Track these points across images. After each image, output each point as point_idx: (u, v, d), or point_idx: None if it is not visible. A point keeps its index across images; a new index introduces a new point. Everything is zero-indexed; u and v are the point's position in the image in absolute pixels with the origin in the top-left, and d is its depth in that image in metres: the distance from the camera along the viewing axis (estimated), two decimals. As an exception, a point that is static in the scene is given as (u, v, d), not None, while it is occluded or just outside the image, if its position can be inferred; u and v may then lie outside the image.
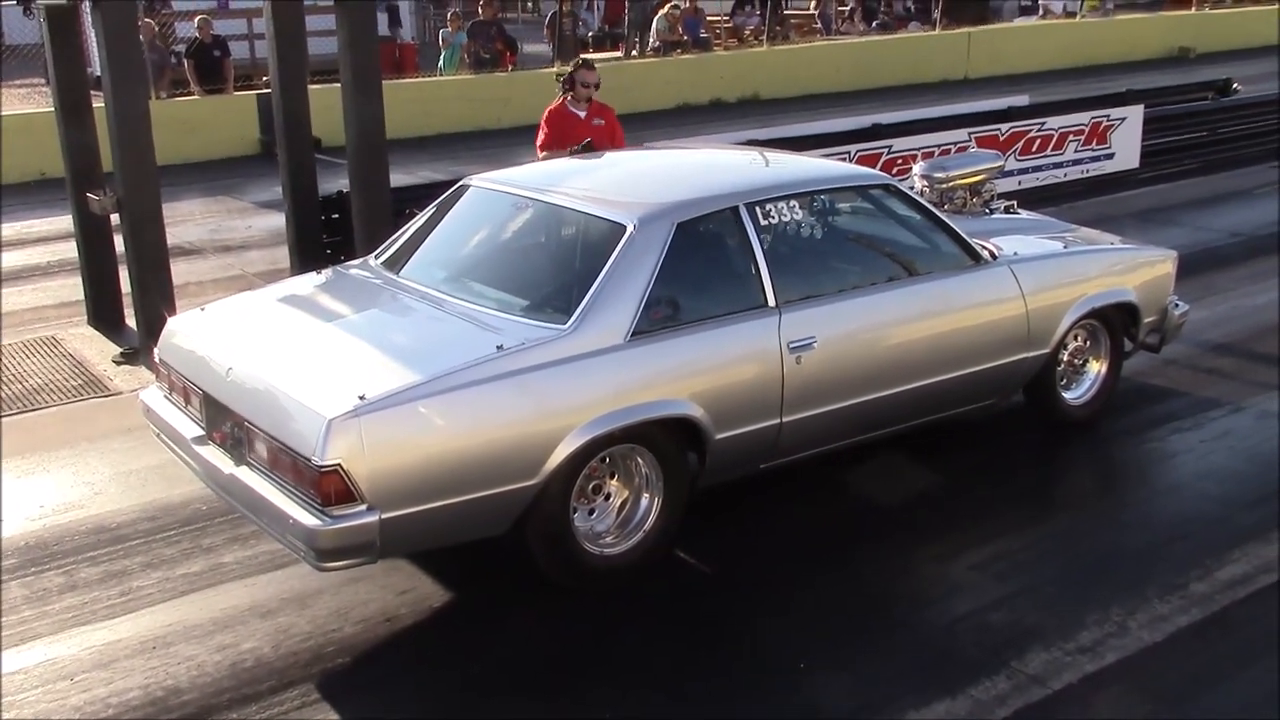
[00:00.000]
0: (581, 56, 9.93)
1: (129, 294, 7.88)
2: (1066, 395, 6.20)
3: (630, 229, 4.83)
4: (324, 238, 8.71)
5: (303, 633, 4.59)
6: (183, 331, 5.22)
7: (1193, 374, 7.00)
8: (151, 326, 7.56)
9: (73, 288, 8.96)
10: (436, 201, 5.81)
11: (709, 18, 22.84)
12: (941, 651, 4.41)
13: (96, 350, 7.96)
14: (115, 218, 7.81)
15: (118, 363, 7.69)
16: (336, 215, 8.82)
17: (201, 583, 4.99)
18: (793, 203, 5.32)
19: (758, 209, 5.14)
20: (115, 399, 7.15)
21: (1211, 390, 6.77)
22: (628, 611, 4.71)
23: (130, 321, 8.05)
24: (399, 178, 9.21)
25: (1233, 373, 7.03)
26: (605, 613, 4.70)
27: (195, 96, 15.79)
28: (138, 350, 7.67)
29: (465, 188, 5.75)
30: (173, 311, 7.58)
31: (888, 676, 4.28)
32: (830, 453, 5.47)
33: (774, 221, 5.21)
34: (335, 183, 9.35)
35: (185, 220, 11.55)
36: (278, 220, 9.25)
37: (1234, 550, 5.03)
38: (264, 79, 14.72)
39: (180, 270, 8.65)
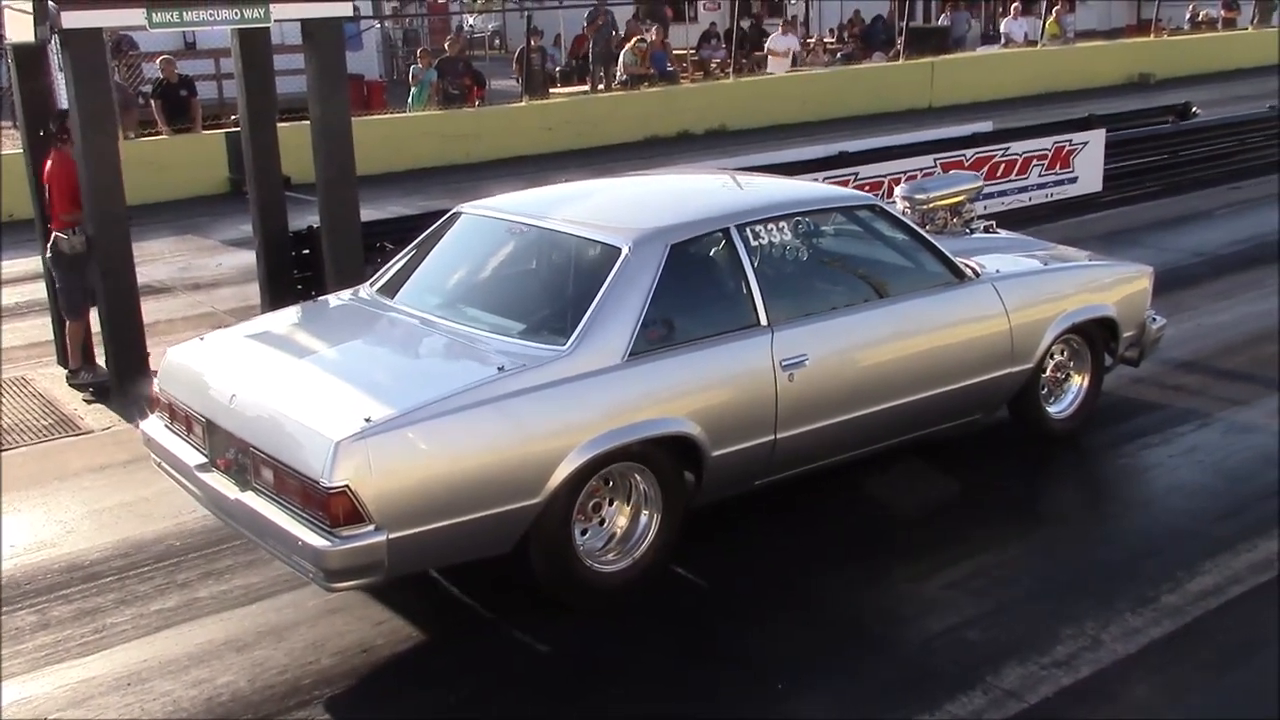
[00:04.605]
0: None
1: (98, 333, 7.85)
2: (1050, 409, 6.30)
3: (625, 251, 4.91)
4: (295, 273, 8.72)
5: (279, 665, 4.57)
6: (183, 361, 5.28)
7: (1160, 390, 7.08)
8: (121, 365, 7.55)
9: (42, 328, 8.91)
10: (430, 229, 5.88)
11: (675, 51, 23.03)
12: (919, 669, 4.44)
13: (66, 390, 7.92)
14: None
15: (88, 401, 7.65)
16: (307, 251, 8.82)
17: (176, 618, 4.96)
18: (782, 224, 5.44)
19: (749, 230, 5.25)
20: (85, 437, 7.11)
21: (1179, 406, 6.85)
22: (604, 637, 4.72)
23: (100, 360, 8.02)
24: (369, 213, 9.22)
25: (1199, 389, 7.12)
26: (582, 639, 4.71)
27: (163, 136, 15.77)
28: (108, 389, 7.63)
29: (458, 215, 5.83)
30: (144, 350, 7.60)
31: (866, 695, 4.31)
32: (820, 470, 5.53)
33: (765, 242, 5.32)
34: (305, 219, 9.36)
35: (155, 259, 11.51)
36: (248, 257, 9.25)
37: (1204, 562, 5.09)
38: (233, 118, 14.73)
39: (150, 308, 8.62)
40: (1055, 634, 4.59)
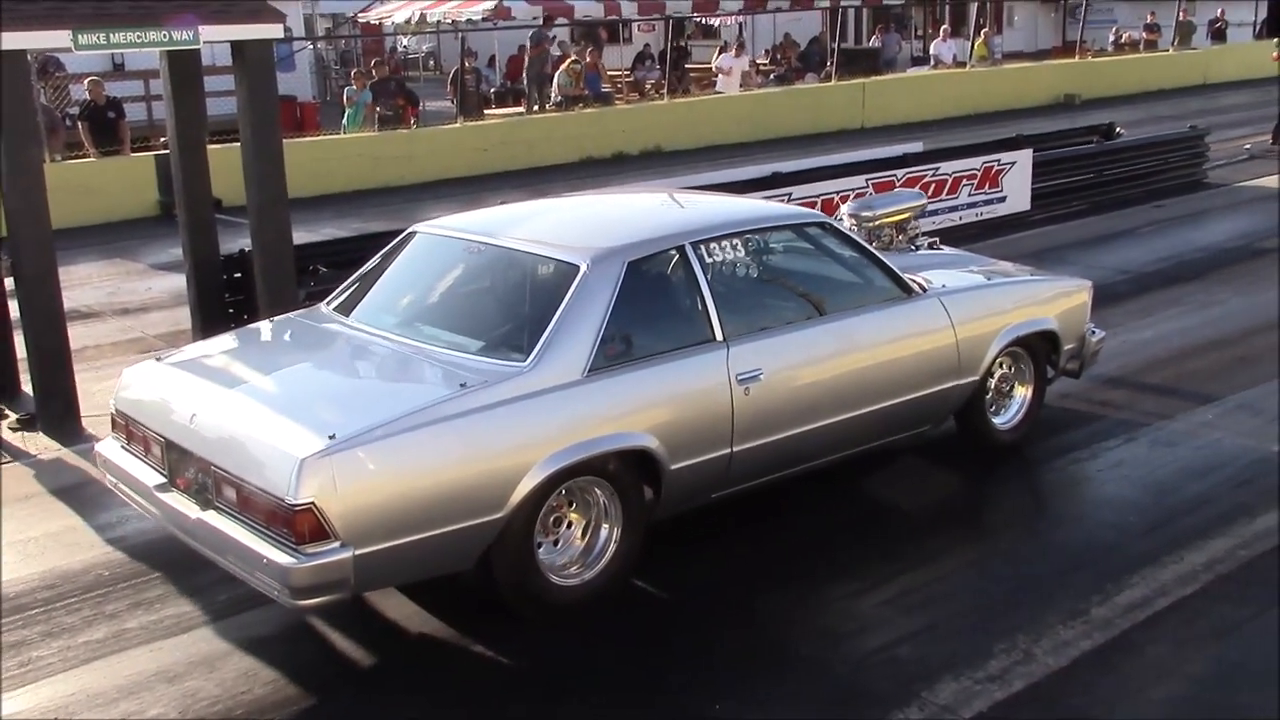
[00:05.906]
0: None
1: (25, 359, 7.70)
2: (995, 421, 6.43)
3: (583, 269, 4.96)
4: (226, 297, 8.62)
5: (211, 696, 4.50)
6: (140, 381, 5.24)
7: (1088, 405, 7.20)
8: (48, 392, 7.41)
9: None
10: (386, 249, 5.88)
11: (609, 72, 23.11)
12: (855, 686, 4.47)
13: (-11, 417, 7.75)
14: (10, 282, 7.64)
15: (14, 429, 7.49)
16: (239, 275, 8.73)
17: (104, 650, 4.86)
18: (736, 241, 5.54)
19: (703, 247, 5.33)
20: (9, 466, 6.96)
21: (1106, 420, 6.98)
22: (530, 669, 4.69)
23: (26, 387, 7.86)
24: (301, 236, 9.15)
25: (1125, 403, 7.26)
26: (505, 673, 4.70)
27: (90, 159, 15.53)
28: (34, 416, 7.48)
29: (413, 234, 5.85)
30: (71, 376, 7.46)
31: (802, 713, 4.32)
32: (773, 483, 5.58)
33: (719, 259, 5.41)
34: (237, 242, 9.27)
35: (83, 284, 11.33)
36: (178, 281, 9.12)
37: (1132, 575, 5.18)
38: (162, 140, 14.54)
39: (78, 333, 8.49)
40: (988, 649, 4.64)
